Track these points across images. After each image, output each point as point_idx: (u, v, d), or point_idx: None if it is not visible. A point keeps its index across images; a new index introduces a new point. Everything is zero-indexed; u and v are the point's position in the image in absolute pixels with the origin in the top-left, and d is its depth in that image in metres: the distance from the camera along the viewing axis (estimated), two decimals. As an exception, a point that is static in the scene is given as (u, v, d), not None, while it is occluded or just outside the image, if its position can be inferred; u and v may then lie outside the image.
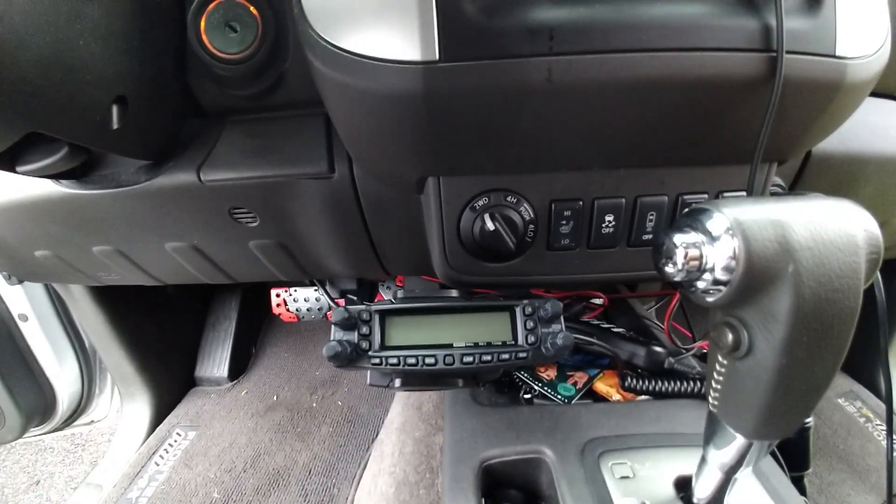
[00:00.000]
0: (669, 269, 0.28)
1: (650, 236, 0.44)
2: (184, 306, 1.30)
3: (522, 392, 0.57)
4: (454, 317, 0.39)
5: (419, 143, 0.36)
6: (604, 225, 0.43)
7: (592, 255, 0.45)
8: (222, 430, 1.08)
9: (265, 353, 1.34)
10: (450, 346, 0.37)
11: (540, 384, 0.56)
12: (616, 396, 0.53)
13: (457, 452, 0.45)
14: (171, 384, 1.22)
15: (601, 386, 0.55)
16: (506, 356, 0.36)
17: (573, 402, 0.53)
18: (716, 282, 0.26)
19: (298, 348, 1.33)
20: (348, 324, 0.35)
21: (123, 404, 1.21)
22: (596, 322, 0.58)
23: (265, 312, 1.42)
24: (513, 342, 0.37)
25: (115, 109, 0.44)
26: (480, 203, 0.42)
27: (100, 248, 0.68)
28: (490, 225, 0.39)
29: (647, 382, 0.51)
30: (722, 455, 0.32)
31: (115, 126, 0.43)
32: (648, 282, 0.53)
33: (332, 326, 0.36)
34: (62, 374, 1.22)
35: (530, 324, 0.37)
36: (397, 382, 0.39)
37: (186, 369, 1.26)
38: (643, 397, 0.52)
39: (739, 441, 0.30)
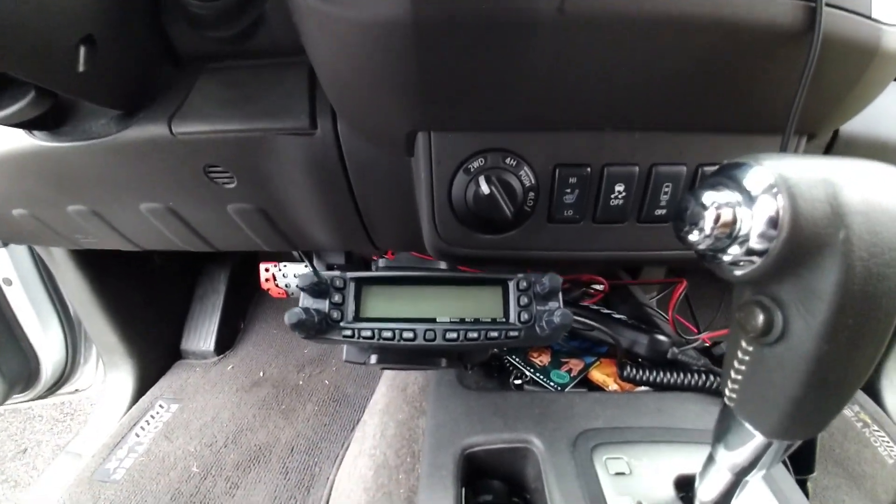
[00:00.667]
0: (694, 236, 0.23)
1: (663, 211, 0.40)
2: (171, 277, 1.26)
3: (513, 377, 0.53)
4: (439, 289, 0.34)
5: (408, 85, 0.32)
6: (613, 196, 0.38)
7: (598, 231, 0.40)
8: (205, 404, 1.05)
9: (253, 328, 1.31)
10: (433, 320, 0.33)
11: (532, 370, 0.52)
12: (613, 386, 0.49)
13: (437, 437, 0.42)
14: (155, 355, 1.19)
15: (597, 375, 0.51)
16: (495, 334, 0.32)
17: (567, 390, 0.50)
18: (749, 252, 0.22)
19: (287, 325, 1.30)
20: (318, 290, 0.31)
21: (107, 374, 1.19)
22: (596, 307, 0.54)
23: (255, 287, 1.38)
24: (504, 320, 0.33)
25: (82, 50, 0.41)
26: (475, 165, 0.37)
27: (75, 208, 0.65)
28: (485, 188, 0.34)
29: (647, 373, 0.47)
30: (734, 455, 0.28)
31: (82, 68, 0.41)
32: (655, 265, 0.49)
33: (301, 293, 0.31)
34: (46, 340, 1.20)
35: (524, 300, 0.33)
36: (373, 359, 0.35)
37: (172, 341, 1.23)
38: (642, 388, 0.48)
39: (757, 440, 0.26)
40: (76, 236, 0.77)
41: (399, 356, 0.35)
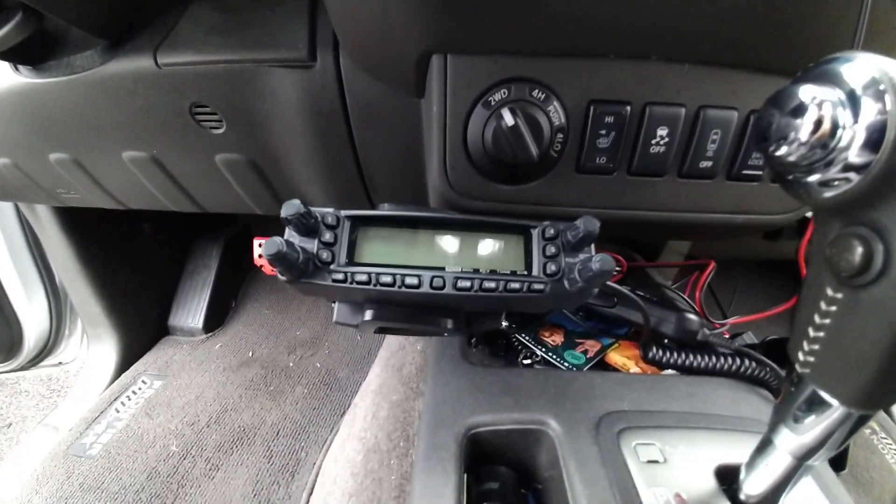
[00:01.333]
0: (783, 150, 0.18)
1: (708, 164, 0.35)
2: (160, 250, 1.21)
3: (521, 357, 0.48)
4: (449, 235, 0.29)
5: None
6: (654, 141, 0.33)
7: (632, 185, 0.35)
8: (190, 382, 1.00)
9: (245, 308, 1.26)
10: (441, 269, 0.27)
11: (543, 349, 0.47)
12: (635, 370, 0.44)
13: (437, 415, 0.37)
14: (141, 329, 1.15)
15: (616, 357, 0.46)
16: (516, 285, 0.26)
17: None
18: (846, 167, 0.17)
19: (280, 306, 1.25)
20: (306, 226, 0.26)
21: (90, 345, 1.15)
22: (615, 284, 0.48)
23: (248, 266, 1.33)
24: (525, 273, 0.28)
25: None
26: (497, 97, 0.32)
27: (56, 156, 0.61)
28: (509, 119, 0.29)
29: (676, 355, 0.42)
30: (803, 435, 0.23)
31: None
32: (687, 234, 0.44)
33: (286, 227, 0.26)
34: (30, 309, 1.16)
35: (551, 249, 0.28)
36: (368, 315, 0.30)
37: (159, 316, 1.19)
38: (668, 372, 0.43)
39: (833, 414, 0.22)
40: (58, 191, 0.73)
41: (398, 313, 0.30)
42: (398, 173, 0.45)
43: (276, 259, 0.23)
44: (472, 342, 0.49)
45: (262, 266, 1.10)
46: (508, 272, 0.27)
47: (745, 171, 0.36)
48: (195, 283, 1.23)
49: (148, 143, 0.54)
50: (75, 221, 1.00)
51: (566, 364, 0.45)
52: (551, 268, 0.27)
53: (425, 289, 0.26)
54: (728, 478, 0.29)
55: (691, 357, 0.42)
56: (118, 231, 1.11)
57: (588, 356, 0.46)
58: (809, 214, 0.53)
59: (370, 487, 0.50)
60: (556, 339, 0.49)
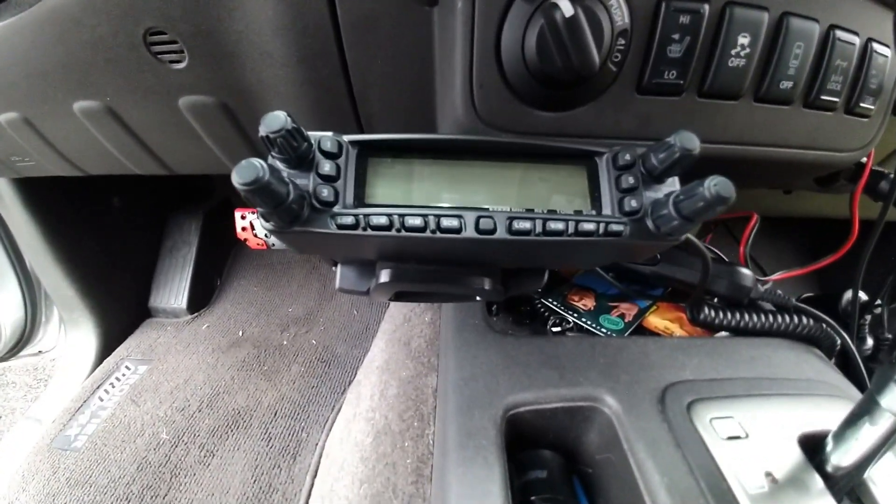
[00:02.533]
0: None
1: (789, 84, 0.28)
2: (134, 226, 1.12)
3: (550, 324, 0.42)
4: (490, 167, 0.22)
5: None
6: (734, 52, 0.26)
7: (702, 110, 0.29)
8: (177, 366, 0.94)
9: (231, 285, 1.18)
10: (483, 210, 0.20)
11: (575, 314, 0.42)
12: (679, 333, 0.40)
13: (468, 395, 0.31)
14: (120, 313, 1.07)
15: (656, 321, 0.41)
16: (590, 227, 0.19)
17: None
18: None
19: (270, 282, 1.18)
20: (296, 151, 0.18)
21: (67, 332, 1.07)
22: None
23: (232, 240, 1.24)
24: (593, 212, 0.21)
25: None
26: (542, -11, 0.24)
27: (6, 117, 0.54)
28: (567, 7, 0.22)
29: (729, 315, 0.37)
30: None
31: None
32: (750, 175, 0.38)
33: (269, 151, 0.19)
34: (3, 297, 1.07)
35: (629, 181, 0.21)
36: (384, 276, 0.23)
37: (139, 298, 1.10)
38: (721, 334, 0.38)
39: None
40: (13, 159, 0.66)
41: (423, 273, 0.23)
42: (404, 111, 0.38)
43: (256, 191, 0.16)
44: (493, 310, 0.44)
45: (245, 240, 1.01)
46: (572, 212, 0.21)
47: (823, 97, 0.30)
48: (175, 260, 1.14)
49: (100, 88, 0.45)
50: (38, 197, 0.91)
51: (603, 330, 0.40)
52: (631, 204, 0.20)
53: (469, 233, 0.19)
54: (811, 447, 0.25)
55: (746, 316, 0.37)
56: (85, 207, 1.02)
57: (626, 320, 0.41)
58: (864, 160, 0.48)
59: (384, 473, 0.45)
60: (587, 303, 0.44)
